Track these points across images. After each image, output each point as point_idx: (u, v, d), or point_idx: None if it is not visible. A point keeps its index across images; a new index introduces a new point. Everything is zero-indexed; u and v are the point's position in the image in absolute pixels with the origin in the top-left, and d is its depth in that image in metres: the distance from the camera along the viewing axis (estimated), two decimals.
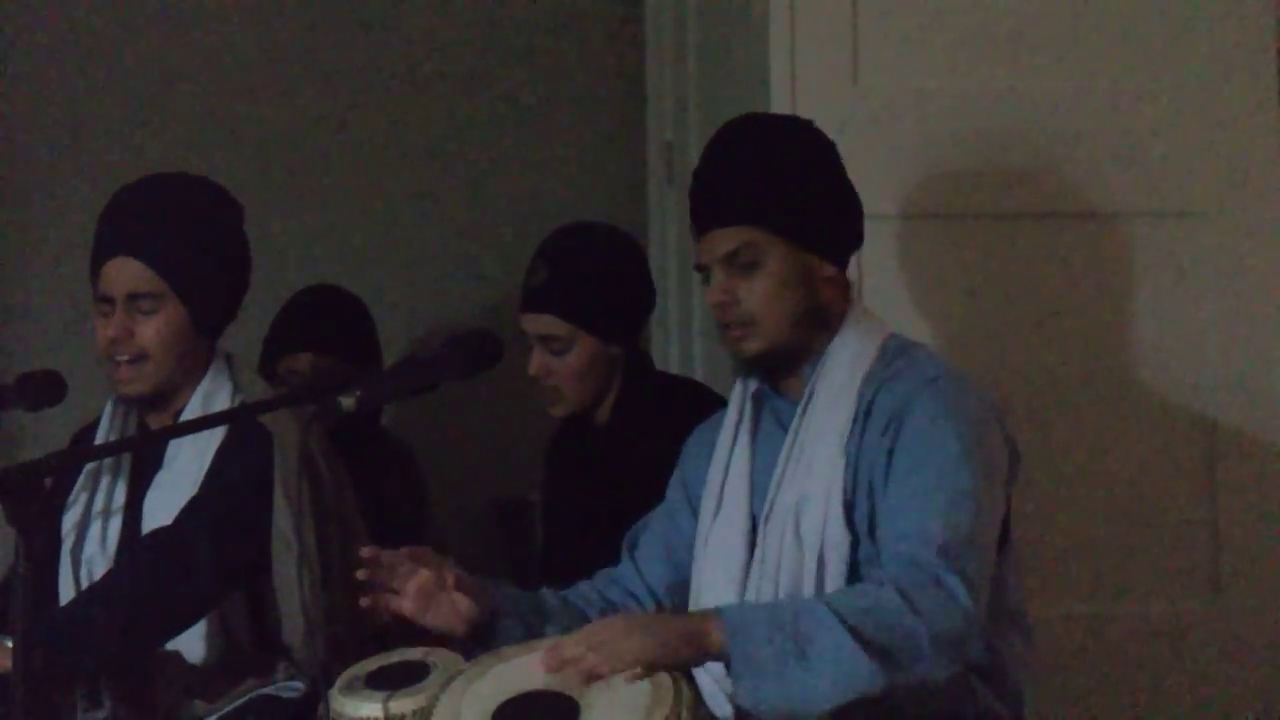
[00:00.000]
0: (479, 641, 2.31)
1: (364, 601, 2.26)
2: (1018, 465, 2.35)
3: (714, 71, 3.66)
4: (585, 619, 2.41)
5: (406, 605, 2.28)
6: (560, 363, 3.02)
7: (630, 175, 4.19)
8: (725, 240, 2.31)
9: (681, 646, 1.99)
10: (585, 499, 3.08)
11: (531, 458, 3.46)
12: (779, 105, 3.05)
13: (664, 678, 1.95)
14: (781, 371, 2.38)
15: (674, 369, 3.84)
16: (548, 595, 2.46)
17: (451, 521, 3.92)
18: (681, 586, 2.48)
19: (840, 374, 2.32)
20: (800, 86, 3.07)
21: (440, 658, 2.17)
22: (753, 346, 2.33)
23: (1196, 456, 3.20)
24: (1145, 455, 3.18)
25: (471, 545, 4.01)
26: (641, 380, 3.09)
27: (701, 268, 2.36)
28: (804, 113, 2.93)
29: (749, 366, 2.39)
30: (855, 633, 2.00)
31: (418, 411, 3.98)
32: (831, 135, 2.41)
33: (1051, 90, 3.15)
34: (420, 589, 2.28)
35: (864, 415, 2.28)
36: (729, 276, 2.31)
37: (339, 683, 2.14)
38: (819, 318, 2.34)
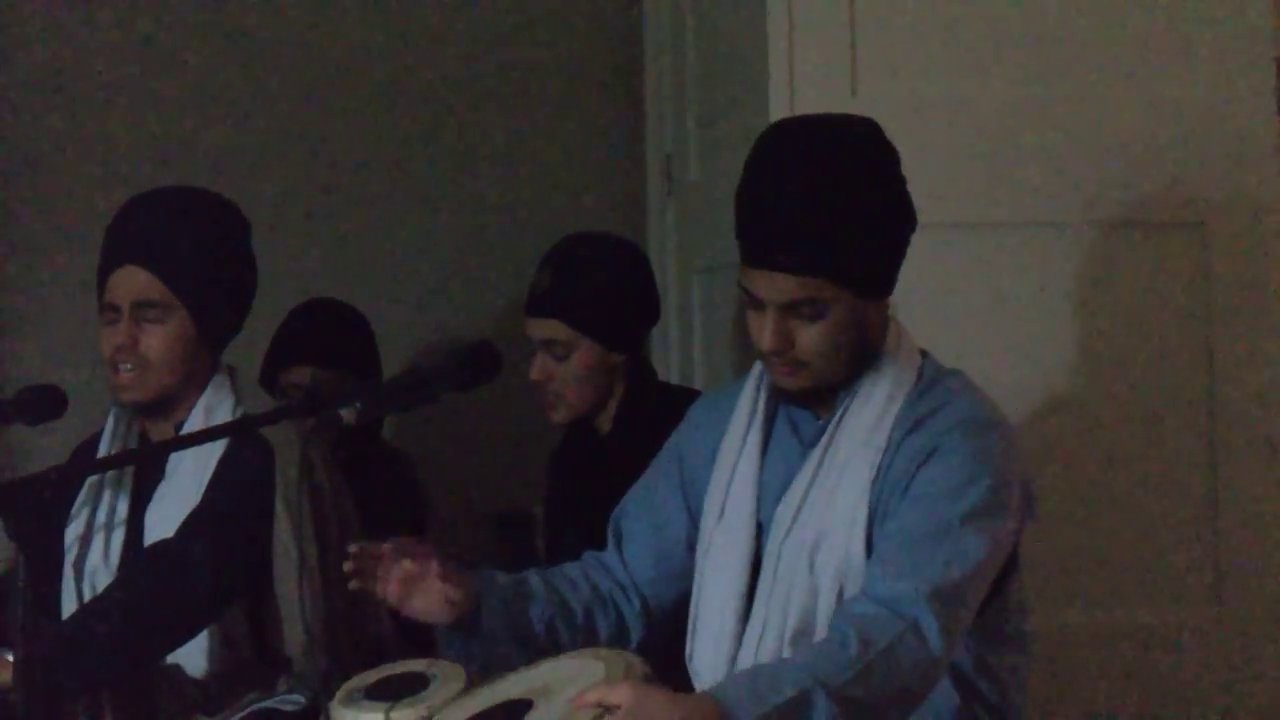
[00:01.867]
0: (464, 629, 2.32)
1: (352, 585, 2.26)
2: (1033, 505, 2.32)
3: (713, 83, 3.67)
4: (567, 606, 2.44)
5: (391, 589, 2.28)
6: (561, 368, 3.04)
7: (630, 187, 4.20)
8: (793, 288, 2.20)
9: None
10: (588, 510, 3.08)
11: (534, 470, 3.47)
12: (777, 116, 3.05)
13: (618, 666, 1.97)
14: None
15: (674, 381, 3.84)
16: (532, 579, 2.45)
17: (454, 533, 3.92)
18: (666, 580, 2.48)
19: (875, 407, 2.28)
20: (799, 97, 3.08)
21: (441, 669, 2.17)
22: (798, 383, 2.28)
23: (1198, 465, 3.20)
24: (1147, 464, 3.18)
25: (474, 557, 4.01)
26: (643, 390, 3.10)
27: (751, 292, 2.26)
28: None
29: (787, 397, 2.34)
30: (840, 699, 1.99)
31: (420, 423, 3.98)
32: None
33: (1051, 99, 3.15)
34: (404, 575, 2.28)
35: (893, 453, 2.25)
36: (786, 319, 2.23)
37: (339, 694, 2.14)
38: (866, 354, 2.29)
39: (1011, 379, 3.11)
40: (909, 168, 3.07)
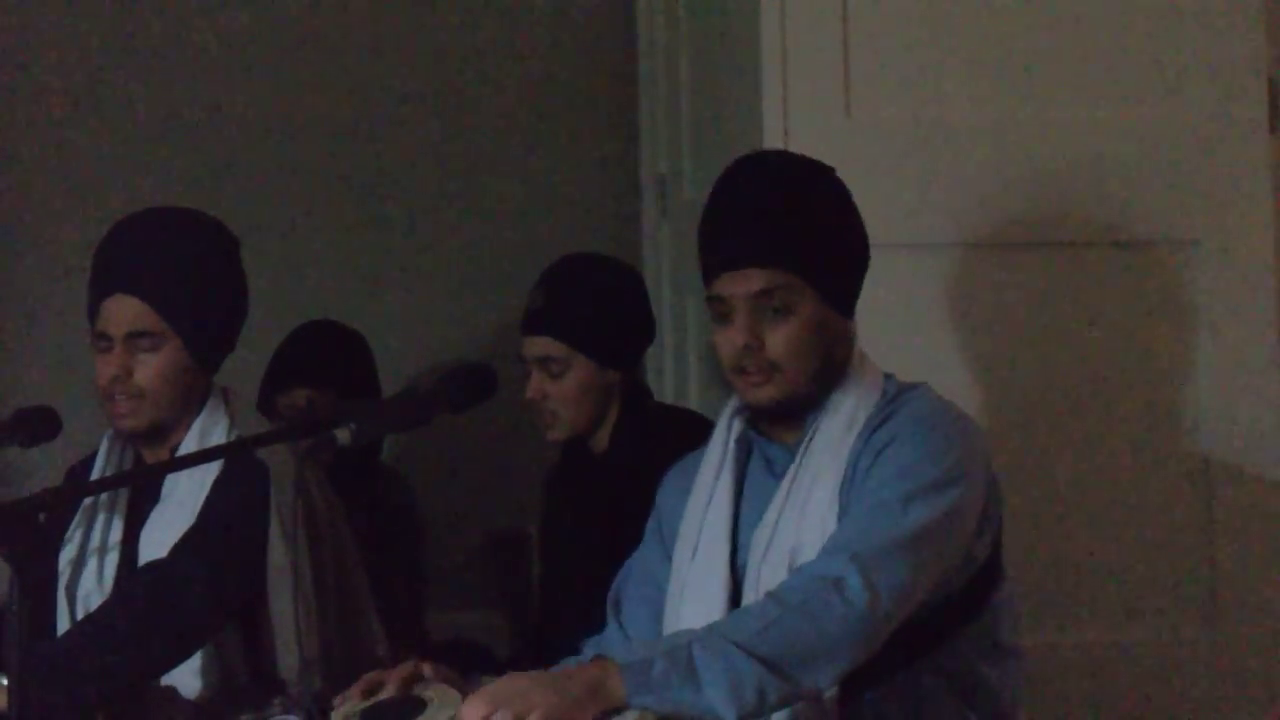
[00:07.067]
0: None
1: None
2: (998, 506, 2.33)
3: (707, 104, 3.68)
4: None
5: None
6: (557, 385, 3.05)
7: (624, 208, 4.20)
8: (761, 278, 2.24)
9: (585, 698, 1.97)
10: (583, 530, 3.09)
11: (528, 490, 3.47)
12: (772, 137, 3.06)
13: None
14: (784, 420, 2.34)
15: (668, 402, 3.84)
16: None
17: (448, 554, 3.92)
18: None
19: (840, 423, 2.28)
20: (793, 118, 3.08)
21: (437, 693, 2.17)
22: (769, 394, 2.27)
23: (1193, 486, 3.19)
24: (1140, 483, 3.18)
25: (468, 578, 4.01)
26: (640, 410, 3.11)
27: (720, 301, 2.28)
28: (796, 144, 2.96)
29: (757, 413, 2.34)
30: (747, 650, 2.01)
31: (416, 444, 3.98)
32: None
33: (1043, 120, 3.16)
34: None
35: (857, 454, 2.26)
36: (755, 317, 2.25)
37: (334, 717, 2.14)
38: (833, 371, 2.30)
39: (1005, 397, 3.11)
40: (903, 189, 3.10)
